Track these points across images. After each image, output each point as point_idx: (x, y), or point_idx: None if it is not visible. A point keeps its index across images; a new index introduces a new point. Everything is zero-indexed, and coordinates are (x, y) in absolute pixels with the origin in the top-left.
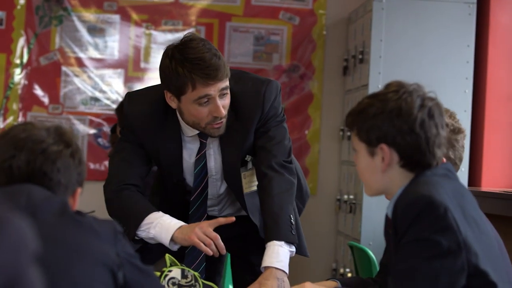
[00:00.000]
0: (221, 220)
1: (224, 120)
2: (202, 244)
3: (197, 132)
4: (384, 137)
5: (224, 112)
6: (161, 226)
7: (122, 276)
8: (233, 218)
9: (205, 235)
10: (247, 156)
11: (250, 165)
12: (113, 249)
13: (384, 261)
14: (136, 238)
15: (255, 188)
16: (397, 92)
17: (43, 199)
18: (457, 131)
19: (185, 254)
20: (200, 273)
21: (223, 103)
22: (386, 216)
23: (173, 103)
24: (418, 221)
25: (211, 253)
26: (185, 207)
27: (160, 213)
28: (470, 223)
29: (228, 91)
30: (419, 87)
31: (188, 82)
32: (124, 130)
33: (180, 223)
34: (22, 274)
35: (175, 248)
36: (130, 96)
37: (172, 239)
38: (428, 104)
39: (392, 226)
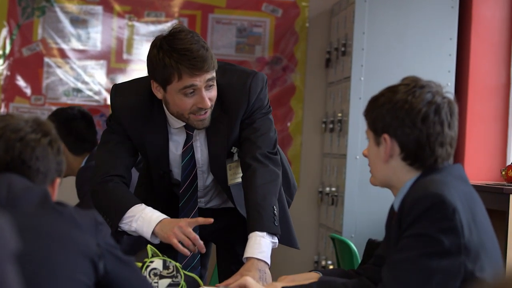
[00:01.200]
0: (200, 220)
1: (208, 112)
2: (179, 246)
3: (184, 124)
4: (387, 127)
5: (209, 103)
6: (143, 219)
7: (102, 267)
8: (211, 220)
9: (184, 235)
10: (233, 148)
11: (236, 157)
12: (93, 240)
13: (380, 252)
14: (119, 230)
15: (239, 180)
16: (408, 85)
17: (24, 189)
18: None
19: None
20: (195, 265)
21: (209, 95)
22: (391, 209)
23: (159, 93)
24: (425, 217)
25: (188, 253)
26: (172, 199)
27: (143, 205)
28: (478, 229)
29: (215, 83)
30: (435, 85)
31: (175, 72)
32: (111, 121)
33: (161, 216)
34: (2, 274)
35: (156, 241)
36: (117, 88)
37: (153, 233)
38: (437, 101)
39: (397, 219)
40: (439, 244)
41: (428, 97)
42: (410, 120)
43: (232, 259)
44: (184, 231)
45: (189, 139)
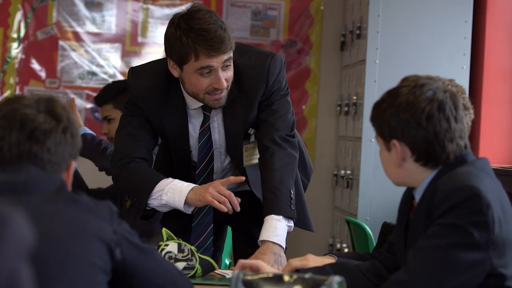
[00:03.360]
0: (232, 179)
1: (224, 92)
2: (216, 202)
3: (201, 104)
4: (394, 132)
5: (225, 84)
6: (173, 190)
7: (119, 253)
8: (243, 178)
9: (219, 194)
10: (250, 129)
11: (252, 138)
12: (109, 226)
13: (393, 239)
14: (148, 207)
15: (255, 161)
16: (408, 87)
17: (40, 177)
18: (464, 107)
19: (192, 228)
20: (208, 247)
21: (226, 76)
22: (409, 199)
23: (175, 72)
24: (459, 208)
25: (225, 209)
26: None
27: (170, 179)
28: (508, 225)
29: (232, 63)
30: (433, 80)
31: (192, 52)
32: (129, 104)
33: (192, 185)
34: (19, 275)
35: (189, 211)
36: (134, 71)
37: (186, 202)
38: (439, 97)
39: (425, 209)
40: (470, 237)
41: (429, 95)
42: (415, 121)
43: (248, 242)
44: (219, 190)
45: (206, 120)
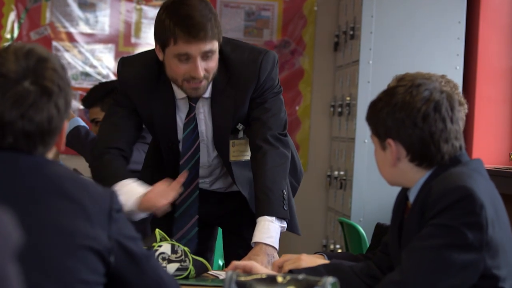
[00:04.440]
0: (181, 180)
1: (204, 82)
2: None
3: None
4: (390, 131)
5: (201, 73)
6: (127, 193)
7: (113, 259)
8: (182, 179)
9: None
10: (239, 124)
11: (241, 134)
12: (104, 232)
13: (387, 240)
14: None
15: (243, 158)
16: (405, 86)
17: (30, 168)
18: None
19: (174, 218)
20: (192, 238)
21: (206, 66)
22: (403, 200)
23: (160, 54)
24: (452, 209)
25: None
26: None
27: (130, 180)
28: (501, 226)
29: (215, 55)
30: (430, 80)
31: (171, 35)
32: (117, 95)
33: (148, 189)
34: (6, 274)
35: (137, 218)
36: (124, 60)
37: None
38: (435, 97)
39: (418, 209)
40: (463, 238)
41: (426, 95)
42: (411, 121)
43: (240, 243)
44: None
45: (191, 110)
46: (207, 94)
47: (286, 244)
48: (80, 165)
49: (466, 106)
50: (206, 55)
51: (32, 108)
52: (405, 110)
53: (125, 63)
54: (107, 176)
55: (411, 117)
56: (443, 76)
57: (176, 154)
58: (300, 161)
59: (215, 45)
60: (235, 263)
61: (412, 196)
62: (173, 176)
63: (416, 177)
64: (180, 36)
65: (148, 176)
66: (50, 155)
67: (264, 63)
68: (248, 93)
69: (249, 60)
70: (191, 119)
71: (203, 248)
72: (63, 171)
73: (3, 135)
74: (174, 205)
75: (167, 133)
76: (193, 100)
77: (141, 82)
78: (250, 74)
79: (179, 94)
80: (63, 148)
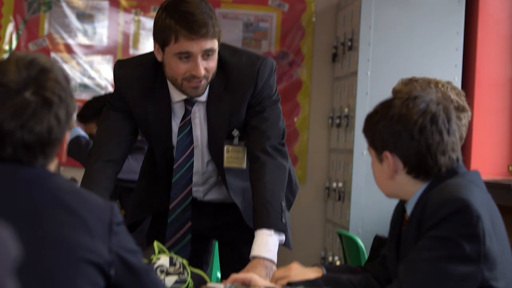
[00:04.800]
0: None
1: (203, 81)
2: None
3: (184, 97)
4: (386, 144)
5: (202, 72)
6: None
7: (113, 272)
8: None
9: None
10: (235, 130)
11: (236, 141)
12: (105, 245)
13: (385, 252)
14: None
15: (237, 165)
16: (401, 99)
17: (31, 181)
18: (461, 109)
19: (168, 224)
20: (185, 246)
21: (206, 65)
22: (398, 211)
23: (159, 55)
24: (449, 221)
25: None
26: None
27: None
28: (498, 238)
29: (215, 55)
30: (427, 92)
31: (172, 33)
32: (112, 98)
33: None
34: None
35: None
36: (121, 62)
37: None
38: (432, 109)
39: (416, 221)
40: (460, 250)
41: (422, 107)
42: (408, 133)
43: (236, 257)
44: None
45: (187, 114)
46: (203, 97)
47: (284, 256)
48: (80, 177)
49: (469, 113)
50: (206, 54)
51: (32, 118)
52: (402, 122)
53: (121, 65)
54: (84, 186)
55: (408, 129)
56: (449, 83)
57: (170, 159)
58: (295, 174)
59: (215, 44)
60: (234, 275)
61: (409, 208)
62: (167, 183)
63: (414, 189)
64: (182, 33)
65: (143, 187)
66: (52, 166)
67: (262, 68)
68: (245, 98)
69: (247, 65)
70: (186, 123)
71: (199, 261)
72: (64, 183)
73: (3, 145)
74: (167, 210)
75: (161, 137)
76: (189, 104)
77: (137, 84)
78: (248, 79)
79: (175, 97)
80: (65, 159)
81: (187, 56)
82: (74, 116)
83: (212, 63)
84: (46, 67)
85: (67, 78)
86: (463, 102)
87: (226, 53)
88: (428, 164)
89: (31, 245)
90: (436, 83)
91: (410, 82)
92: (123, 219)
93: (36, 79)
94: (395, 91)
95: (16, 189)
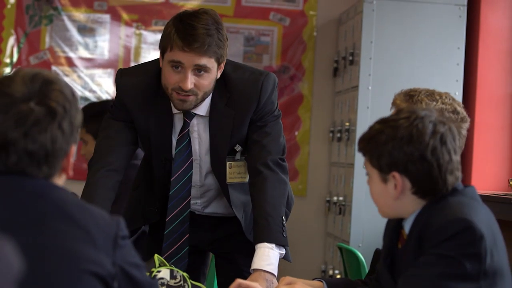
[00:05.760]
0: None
1: (191, 98)
2: None
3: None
4: (395, 164)
5: (189, 86)
6: None
7: (116, 285)
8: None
9: None
10: (237, 145)
11: (238, 156)
12: (109, 258)
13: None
14: None
15: (239, 180)
16: (408, 119)
17: (35, 193)
18: (465, 120)
19: (164, 235)
20: (182, 256)
21: (197, 82)
22: (396, 229)
23: (161, 62)
24: (452, 240)
25: None
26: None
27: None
28: (499, 254)
29: (209, 73)
30: (430, 112)
31: (169, 41)
32: (113, 107)
33: None
34: None
35: None
36: (123, 70)
37: None
38: (440, 130)
39: (414, 239)
40: (461, 268)
41: (431, 128)
42: (420, 154)
43: (234, 270)
44: None
45: (185, 127)
46: (204, 112)
47: (285, 270)
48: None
49: (468, 124)
50: (198, 70)
51: (35, 127)
52: (413, 143)
53: (124, 73)
54: (86, 196)
55: (420, 150)
56: (446, 94)
57: (168, 171)
58: (291, 188)
59: (210, 63)
60: (239, 280)
61: (407, 225)
62: (163, 195)
63: (414, 208)
64: (176, 43)
65: (138, 197)
66: (60, 181)
67: (265, 84)
68: (248, 114)
69: (250, 81)
70: (184, 136)
71: (196, 274)
72: (68, 196)
73: (7, 154)
74: (164, 222)
75: (161, 148)
76: (188, 117)
77: (139, 92)
78: (251, 95)
79: (175, 108)
80: (71, 173)
81: (178, 66)
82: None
83: (204, 81)
84: (51, 79)
85: (73, 92)
86: (462, 113)
87: (229, 68)
88: (437, 184)
89: (35, 257)
90: (440, 94)
91: (410, 97)
92: (128, 234)
93: (41, 90)
94: (396, 105)
95: (20, 201)
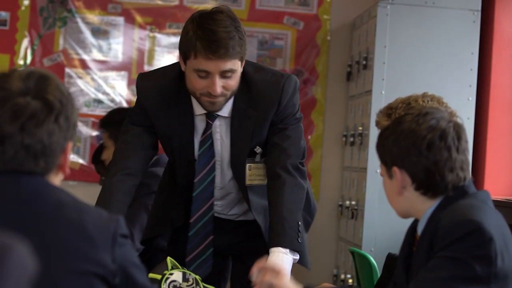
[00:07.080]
0: None
1: (221, 99)
2: None
3: (205, 111)
4: (395, 159)
5: (218, 90)
6: None
7: (117, 281)
8: None
9: None
10: (257, 147)
11: (258, 158)
12: (108, 255)
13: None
14: None
15: (259, 182)
16: (412, 114)
17: (31, 193)
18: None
19: (188, 237)
20: (206, 258)
21: (225, 83)
22: (412, 232)
23: (182, 65)
24: (461, 242)
25: None
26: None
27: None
28: (509, 256)
29: (235, 74)
30: (438, 110)
31: (192, 49)
32: (134, 111)
33: None
34: None
35: None
36: (143, 74)
37: None
38: (442, 126)
39: (427, 242)
40: (471, 270)
41: (432, 124)
42: (416, 149)
43: (246, 272)
44: None
45: (208, 128)
46: (226, 113)
47: (297, 274)
48: (95, 193)
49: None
50: (225, 74)
51: (32, 120)
52: (410, 138)
53: (144, 77)
54: (100, 202)
55: (416, 145)
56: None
57: (192, 172)
58: (313, 195)
59: (236, 64)
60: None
61: (420, 228)
62: (187, 198)
63: (424, 207)
64: (200, 51)
65: (162, 202)
66: (57, 180)
67: (287, 85)
68: (269, 115)
69: (272, 82)
70: (207, 137)
71: (218, 277)
72: (65, 195)
73: (4, 148)
74: (186, 225)
75: (183, 150)
76: (210, 118)
77: (160, 95)
78: (272, 96)
79: (197, 110)
80: (68, 171)
81: (204, 73)
82: (84, 131)
83: (232, 82)
84: (46, 75)
85: (68, 91)
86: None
87: (250, 69)
88: (435, 181)
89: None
90: (416, 99)
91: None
92: (129, 234)
93: (37, 85)
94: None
95: (17, 201)
